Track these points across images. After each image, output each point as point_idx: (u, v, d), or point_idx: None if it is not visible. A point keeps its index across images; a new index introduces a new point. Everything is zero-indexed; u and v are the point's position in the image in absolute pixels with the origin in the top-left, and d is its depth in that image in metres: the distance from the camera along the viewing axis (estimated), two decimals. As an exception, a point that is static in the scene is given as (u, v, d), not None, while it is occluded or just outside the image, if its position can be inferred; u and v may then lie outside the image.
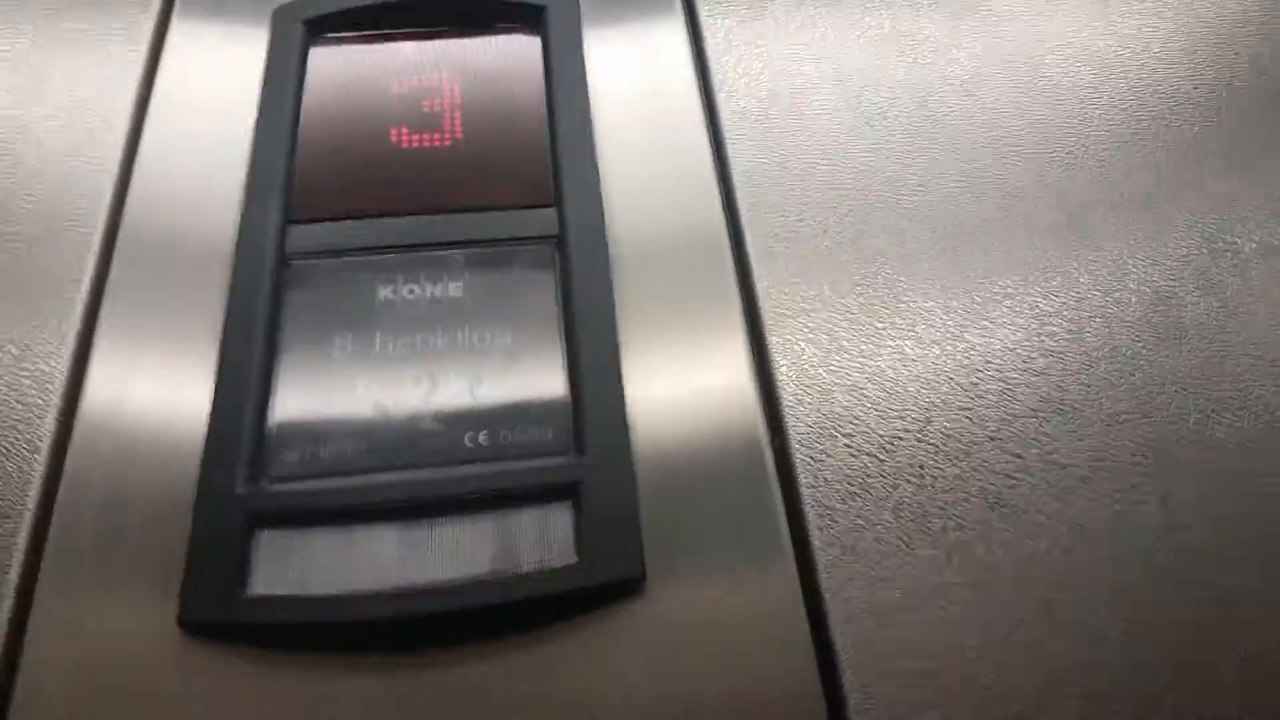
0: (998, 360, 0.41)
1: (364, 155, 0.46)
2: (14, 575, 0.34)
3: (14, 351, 0.39)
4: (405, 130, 0.47)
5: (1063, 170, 0.48)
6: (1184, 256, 0.45)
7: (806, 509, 0.37)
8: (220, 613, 0.33)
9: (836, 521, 0.36)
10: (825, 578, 0.35)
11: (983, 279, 0.44)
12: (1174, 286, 0.44)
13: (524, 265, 0.43)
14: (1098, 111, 0.50)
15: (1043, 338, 0.42)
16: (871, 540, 0.36)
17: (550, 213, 0.44)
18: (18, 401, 0.37)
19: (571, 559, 0.35)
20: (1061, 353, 0.42)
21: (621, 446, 0.37)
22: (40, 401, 0.37)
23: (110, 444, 0.37)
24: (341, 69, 0.49)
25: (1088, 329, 0.42)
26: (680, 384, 0.40)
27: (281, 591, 0.34)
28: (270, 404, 0.38)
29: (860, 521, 0.37)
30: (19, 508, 0.35)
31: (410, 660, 0.33)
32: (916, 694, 0.33)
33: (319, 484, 0.36)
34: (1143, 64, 0.52)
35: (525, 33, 0.51)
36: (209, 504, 0.35)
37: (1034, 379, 0.41)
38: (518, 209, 0.44)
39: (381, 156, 0.46)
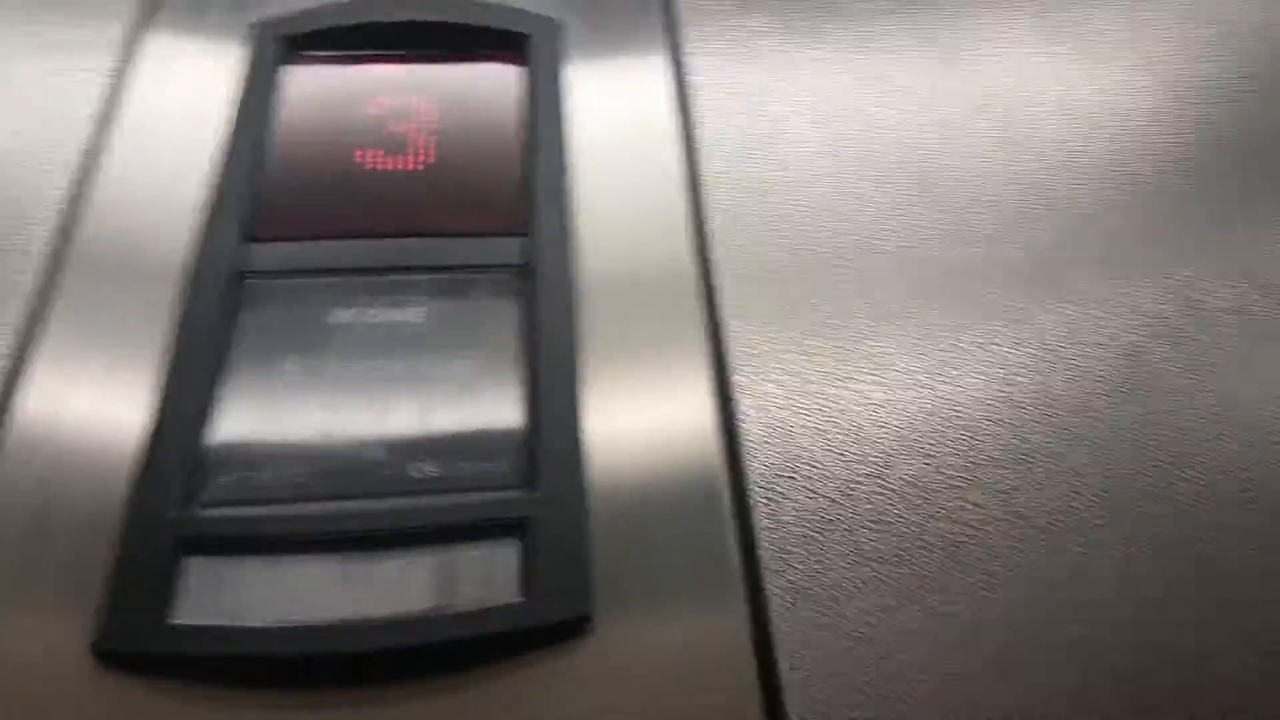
0: (963, 409, 0.41)
1: (331, 176, 0.45)
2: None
3: (-52, 360, 0.38)
4: (375, 153, 0.46)
5: (1040, 221, 0.47)
6: (1155, 312, 0.45)
7: (762, 551, 0.36)
8: (141, 643, 0.31)
9: (792, 565, 0.36)
10: (777, 622, 0.34)
11: (952, 327, 0.43)
12: (1144, 341, 0.43)
13: (488, 294, 0.42)
14: (1078, 163, 0.50)
15: (1009, 387, 0.41)
16: (827, 585, 0.35)
17: (519, 242, 0.43)
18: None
19: (517, 596, 0.34)
20: (1026, 403, 0.41)
21: (575, 482, 0.36)
22: None
23: (40, 459, 0.35)
24: (315, 88, 0.49)
25: (1054, 380, 0.42)
26: (640, 420, 0.39)
27: (209, 622, 0.32)
28: (210, 425, 0.37)
29: (816, 566, 0.36)
30: None
31: (345, 698, 0.32)
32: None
33: (255, 511, 0.35)
34: (1126, 118, 0.52)
35: (506, 60, 0.51)
36: (136, 526, 0.33)
37: (998, 429, 0.40)
38: (486, 236, 0.44)
39: (349, 178, 0.45)
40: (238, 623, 0.32)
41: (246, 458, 0.36)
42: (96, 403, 0.37)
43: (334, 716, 0.32)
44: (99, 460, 0.36)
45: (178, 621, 0.32)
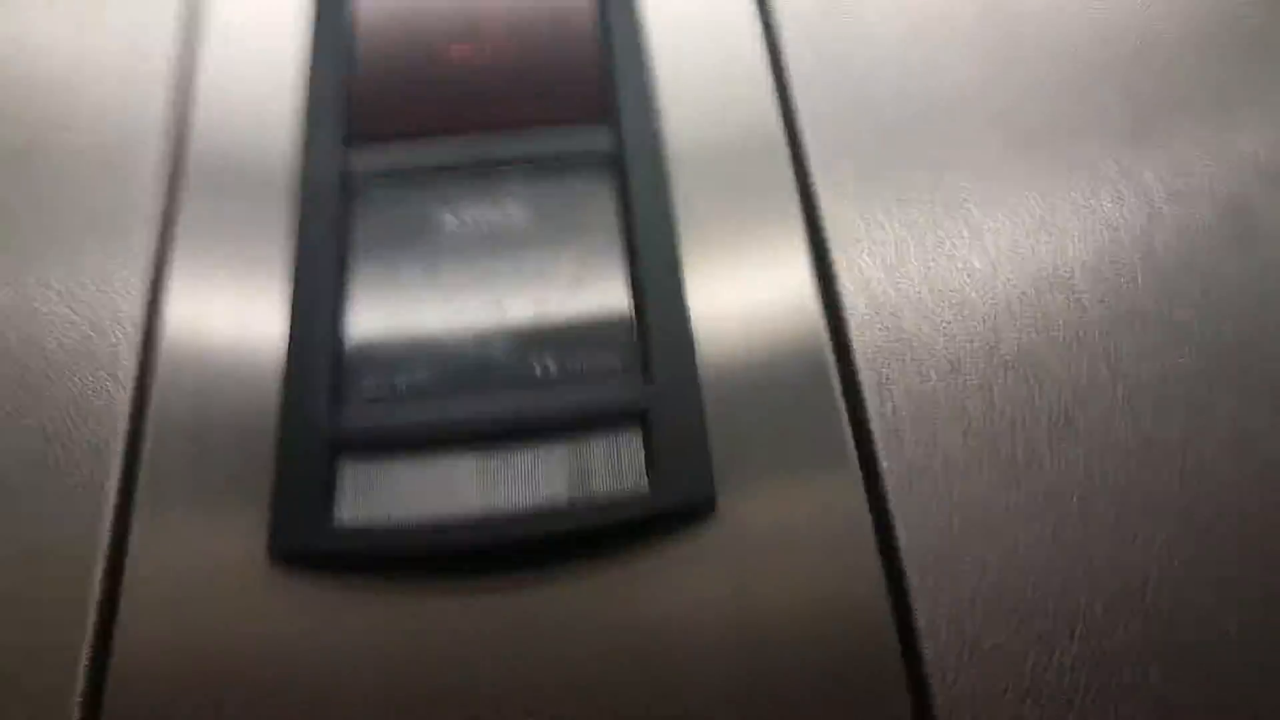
0: (1067, 271, 0.40)
1: (419, 73, 0.45)
2: (110, 509, 0.35)
3: (91, 288, 0.39)
4: (457, 45, 0.46)
5: (1130, 70, 0.46)
6: (1261, 159, 0.43)
7: (874, 430, 0.37)
8: (309, 542, 0.34)
9: (904, 443, 0.37)
10: (893, 500, 0.35)
11: (1050, 186, 0.43)
12: (1250, 191, 0.43)
13: (583, 184, 0.42)
14: (1164, 6, 0.48)
15: (1113, 246, 0.41)
16: (940, 462, 0.36)
17: (605, 129, 0.43)
18: (98, 338, 0.38)
19: (643, 485, 0.35)
20: (1131, 262, 0.41)
21: (688, 371, 0.37)
22: (118, 337, 0.38)
23: (192, 375, 0.37)
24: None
25: (1159, 237, 0.41)
26: (744, 304, 0.40)
27: (367, 521, 0.35)
28: (344, 330, 0.38)
29: (929, 442, 0.37)
30: (109, 442, 0.36)
31: (489, 586, 0.34)
32: (985, 614, 0.34)
33: (398, 411, 0.37)
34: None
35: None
36: (292, 434, 0.36)
37: (1104, 290, 0.40)
38: (572, 125, 0.44)
39: (435, 73, 0.45)
40: (391, 520, 0.35)
41: (382, 361, 0.38)
42: (235, 315, 0.39)
43: (481, 602, 0.34)
44: (247, 371, 0.37)
45: (340, 522, 0.35)
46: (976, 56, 0.46)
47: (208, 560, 0.34)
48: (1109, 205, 0.42)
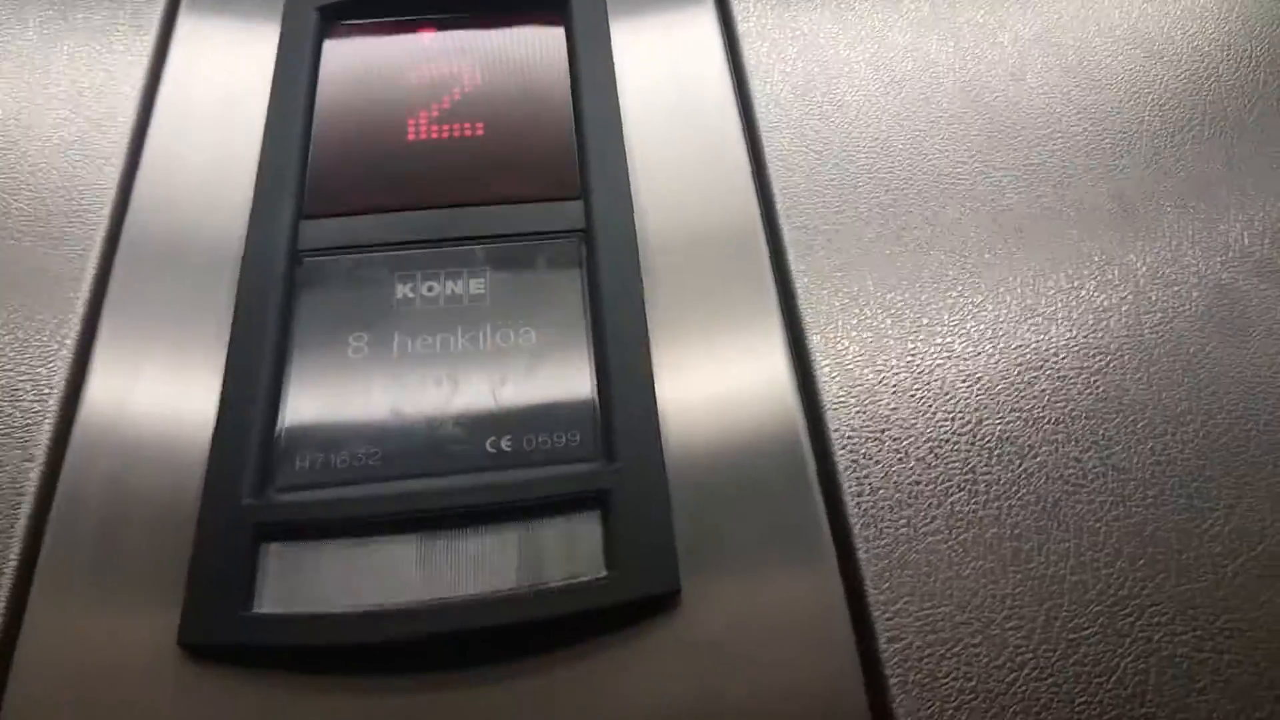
0: (1053, 358, 0.39)
1: (380, 148, 0.44)
2: (3, 592, 0.32)
3: (10, 354, 0.37)
4: (423, 121, 0.45)
5: (1115, 157, 0.45)
6: (1245, 246, 0.42)
7: (851, 518, 0.34)
8: (224, 634, 0.31)
9: (884, 531, 0.34)
10: (873, 593, 0.33)
11: (1035, 271, 0.41)
12: (1236, 278, 0.41)
13: (549, 261, 0.41)
14: (1149, 96, 0.48)
15: (1099, 333, 0.40)
16: (922, 551, 0.34)
17: (576, 206, 0.42)
18: (13, 406, 0.36)
19: (601, 572, 0.33)
20: (1118, 349, 0.39)
21: (653, 451, 0.35)
22: (37, 408, 0.36)
23: (110, 452, 0.35)
24: (356, 59, 0.47)
25: (1146, 323, 0.40)
26: (715, 385, 0.38)
27: (290, 610, 0.31)
28: (280, 409, 0.36)
29: (909, 531, 0.34)
30: (11, 520, 0.33)
31: (430, 682, 0.31)
32: (971, 715, 0.31)
33: (331, 493, 0.34)
34: (1195, 46, 0.50)
35: (549, 21, 0.49)
36: (213, 515, 0.33)
37: (1091, 377, 0.38)
38: (542, 202, 0.42)
39: (398, 149, 0.44)
40: (320, 609, 0.31)
41: (320, 440, 0.35)
42: (163, 391, 0.36)
43: (421, 700, 0.31)
44: (169, 450, 0.35)
45: (260, 611, 0.31)
46: (958, 140, 0.45)
47: (110, 650, 0.31)
48: (1094, 290, 0.41)
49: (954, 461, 0.36)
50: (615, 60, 0.47)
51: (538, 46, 0.48)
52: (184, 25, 0.48)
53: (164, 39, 0.48)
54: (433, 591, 0.32)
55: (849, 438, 0.36)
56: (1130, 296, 0.41)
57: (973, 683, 0.31)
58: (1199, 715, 0.31)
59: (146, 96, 0.45)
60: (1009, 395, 0.38)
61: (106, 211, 0.41)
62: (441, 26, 0.49)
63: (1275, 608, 0.34)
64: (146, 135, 0.44)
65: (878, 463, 0.36)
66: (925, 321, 0.39)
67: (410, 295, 0.39)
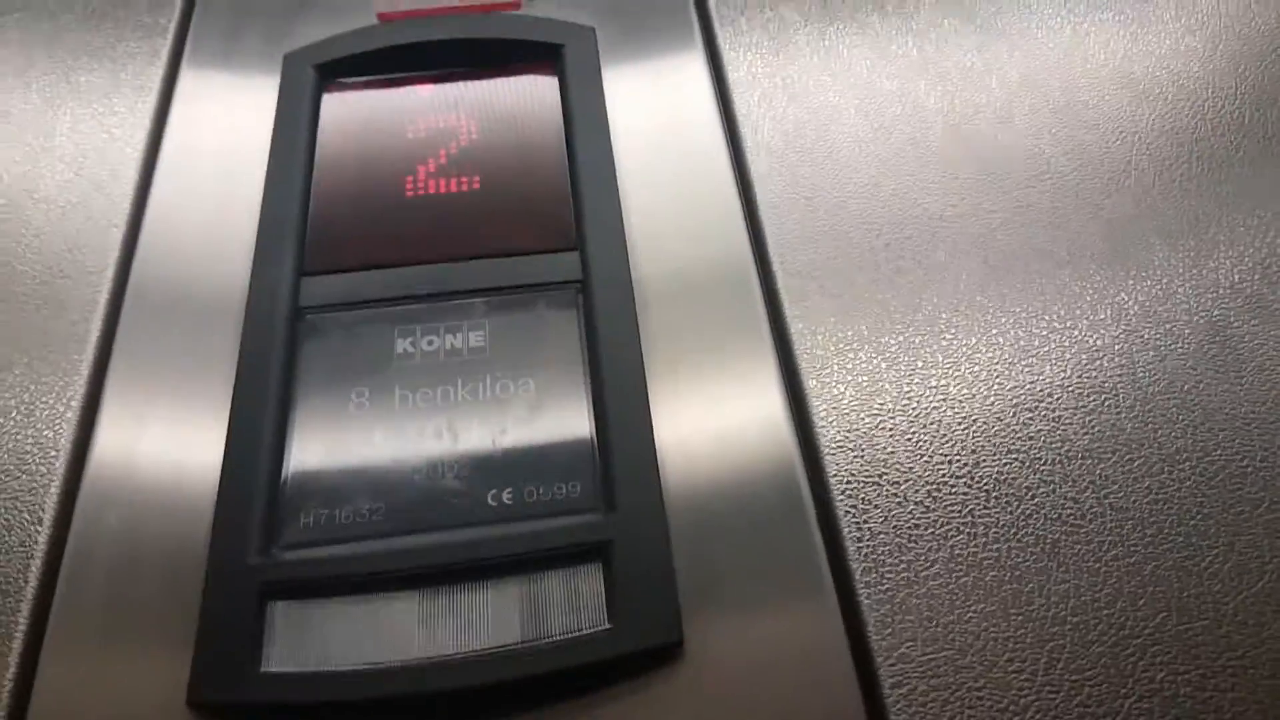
0: (1048, 398, 0.39)
1: (378, 203, 0.44)
2: (15, 654, 0.32)
3: (17, 417, 0.37)
4: (420, 176, 0.45)
5: (1104, 196, 0.46)
6: (1236, 283, 0.43)
7: (852, 563, 0.35)
8: (233, 693, 0.31)
9: (885, 576, 0.34)
10: (875, 638, 0.33)
11: (1028, 312, 0.42)
12: (1228, 314, 0.42)
13: (546, 312, 0.41)
14: (1136, 133, 0.48)
15: (1094, 373, 0.40)
16: (923, 595, 0.34)
17: (573, 256, 0.42)
18: (21, 470, 0.36)
19: (604, 624, 0.33)
20: (1114, 389, 0.39)
21: (654, 502, 0.35)
22: (44, 470, 0.36)
23: (117, 514, 0.35)
24: (354, 115, 0.48)
25: (1140, 362, 0.40)
26: (713, 433, 0.38)
27: (297, 667, 0.32)
28: (284, 465, 0.36)
29: (910, 575, 0.34)
30: (21, 583, 0.33)
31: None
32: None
33: (336, 550, 0.34)
34: (1181, 85, 0.50)
35: (542, 72, 0.50)
36: (220, 575, 0.33)
37: (1087, 417, 0.39)
38: (539, 254, 0.43)
39: (396, 204, 0.44)
40: (326, 666, 0.32)
41: (322, 496, 0.35)
42: (167, 451, 0.37)
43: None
44: (175, 507, 0.35)
45: (267, 669, 0.32)
46: (948, 183, 0.46)
47: (121, 709, 0.31)
48: (1087, 329, 0.41)
49: (952, 504, 0.36)
50: (608, 110, 0.48)
51: (532, 98, 0.49)
52: (185, 84, 0.49)
53: (165, 99, 0.48)
54: (438, 647, 0.32)
55: (848, 482, 0.36)
56: (1123, 335, 0.41)
57: (978, 728, 0.31)
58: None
59: (149, 157, 0.46)
60: (1005, 437, 0.38)
61: (110, 273, 0.42)
62: (437, 80, 0.50)
63: (1277, 644, 0.34)
64: (149, 196, 0.44)
65: (877, 507, 0.36)
66: (920, 364, 0.40)
67: (410, 349, 0.40)
